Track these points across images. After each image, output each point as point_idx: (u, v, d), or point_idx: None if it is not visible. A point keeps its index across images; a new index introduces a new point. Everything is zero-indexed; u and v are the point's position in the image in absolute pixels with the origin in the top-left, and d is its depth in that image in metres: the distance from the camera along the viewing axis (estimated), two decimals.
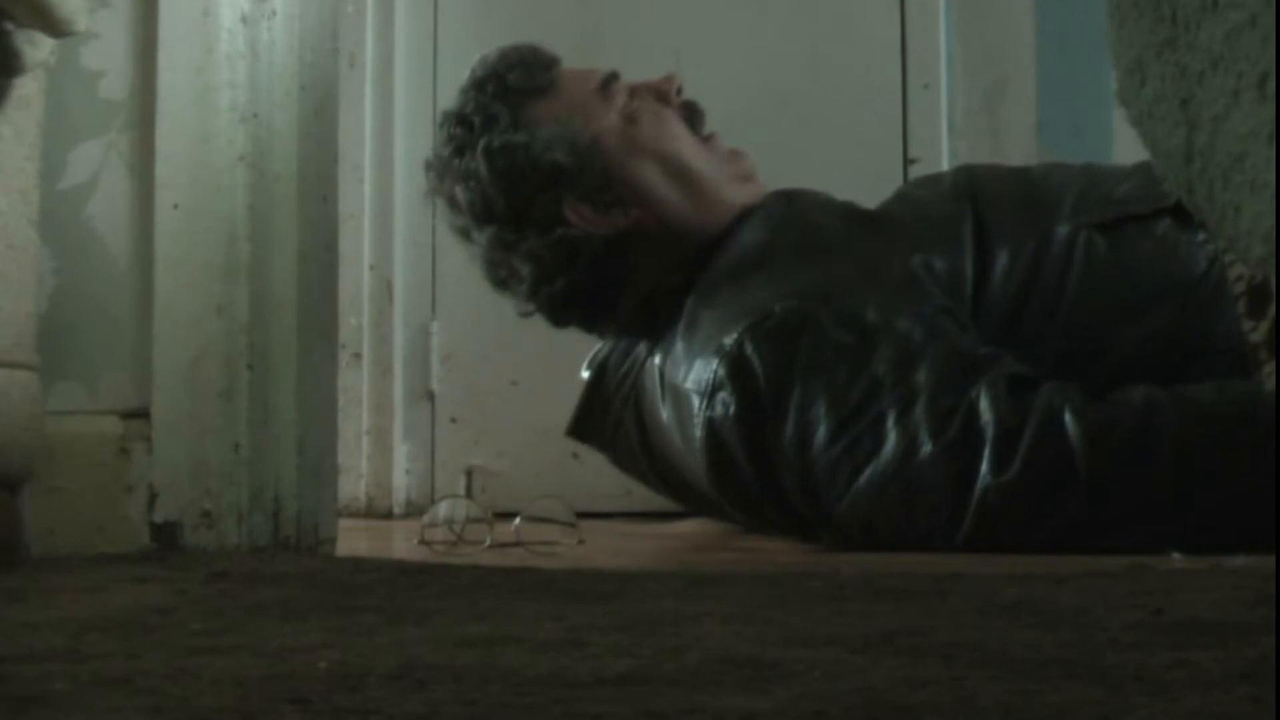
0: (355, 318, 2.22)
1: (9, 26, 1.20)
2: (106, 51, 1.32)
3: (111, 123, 1.33)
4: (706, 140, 1.69)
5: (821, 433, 1.42)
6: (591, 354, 1.70)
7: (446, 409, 2.26)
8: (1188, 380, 1.40)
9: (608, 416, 1.66)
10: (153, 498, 1.26)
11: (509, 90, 1.66)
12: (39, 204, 1.26)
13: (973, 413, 1.37)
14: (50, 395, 1.28)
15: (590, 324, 1.71)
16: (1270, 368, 1.36)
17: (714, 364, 1.47)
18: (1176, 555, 1.24)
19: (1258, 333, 1.37)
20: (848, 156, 2.10)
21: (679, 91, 1.69)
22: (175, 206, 1.29)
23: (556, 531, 1.52)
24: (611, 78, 1.68)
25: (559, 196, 1.62)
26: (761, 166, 1.72)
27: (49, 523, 1.26)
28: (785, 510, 1.47)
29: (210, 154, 1.29)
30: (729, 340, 1.47)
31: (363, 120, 2.26)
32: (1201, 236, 1.47)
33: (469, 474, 2.22)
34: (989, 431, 1.35)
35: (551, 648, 0.74)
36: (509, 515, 1.53)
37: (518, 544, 1.44)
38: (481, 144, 1.63)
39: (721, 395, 1.46)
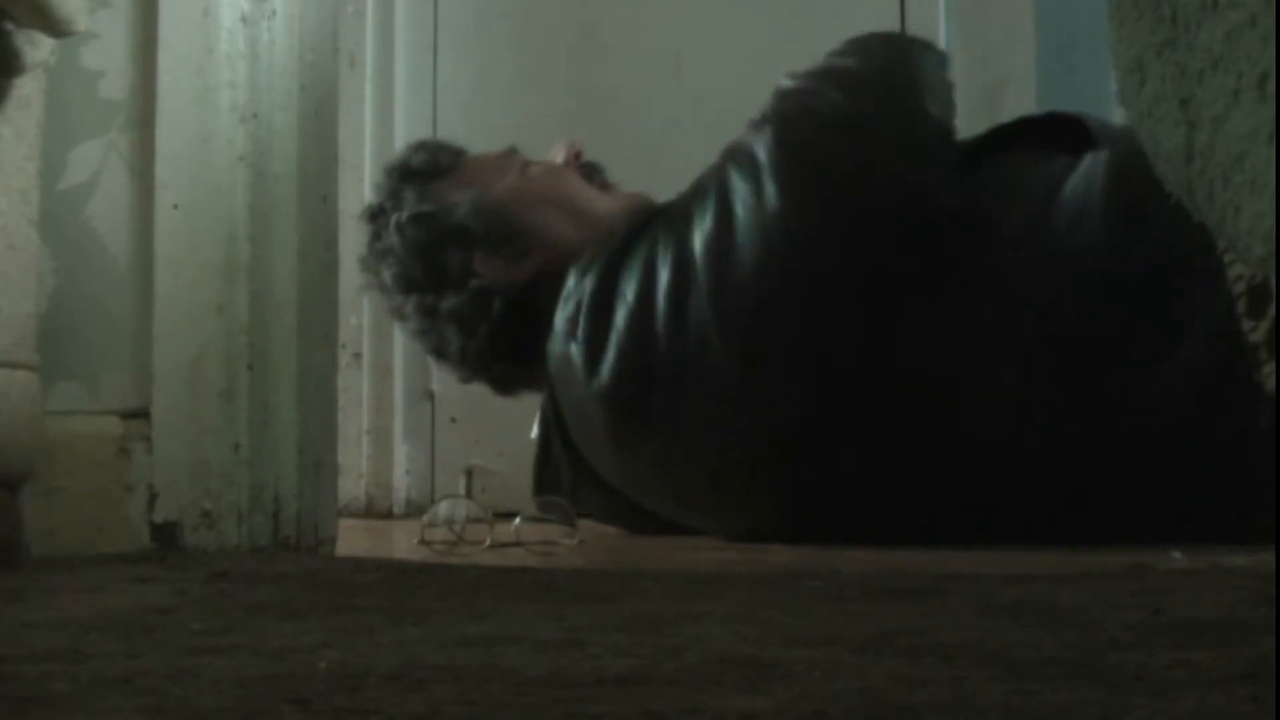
0: (355, 318, 2.22)
1: (9, 26, 1.20)
2: (106, 51, 1.33)
3: (111, 123, 1.33)
4: (605, 188, 1.79)
5: (688, 247, 1.50)
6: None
7: (446, 409, 2.26)
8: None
9: (551, 463, 1.70)
10: (153, 498, 1.26)
11: (413, 172, 1.78)
12: (39, 204, 1.26)
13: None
14: (50, 395, 1.28)
15: (527, 377, 1.75)
16: (1270, 368, 1.36)
17: (566, 309, 1.58)
18: (1176, 555, 1.24)
19: (1258, 333, 1.37)
20: None
21: (578, 156, 1.80)
22: (175, 206, 1.29)
23: (556, 531, 1.52)
24: (510, 151, 1.80)
25: (469, 255, 1.72)
26: None
27: (49, 523, 1.26)
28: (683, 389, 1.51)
29: (210, 154, 1.29)
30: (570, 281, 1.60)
31: (363, 120, 2.26)
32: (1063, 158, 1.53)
33: (469, 474, 2.22)
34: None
35: (551, 648, 0.74)
36: (509, 515, 1.53)
37: (518, 544, 1.44)
38: (393, 220, 1.76)
39: (578, 320, 1.56)
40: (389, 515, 2.21)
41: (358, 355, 2.24)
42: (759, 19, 2.22)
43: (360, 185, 2.23)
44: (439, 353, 1.80)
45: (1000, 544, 1.38)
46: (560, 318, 1.61)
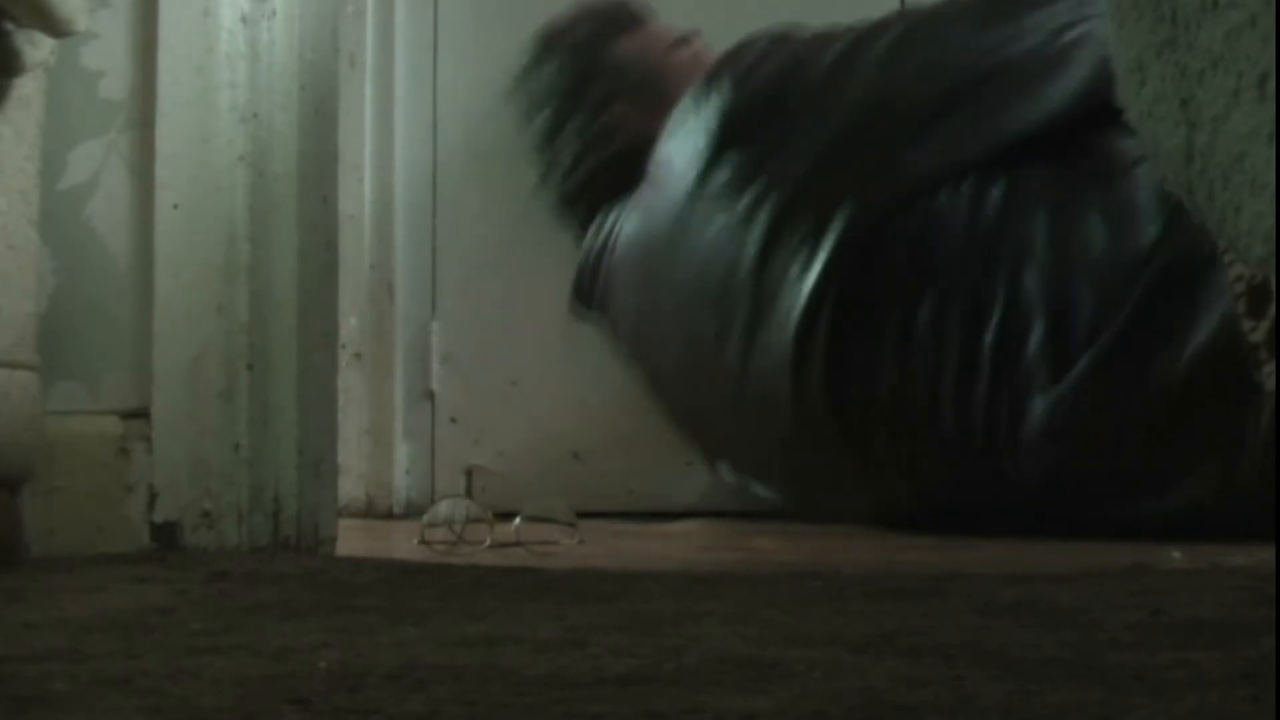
0: (355, 318, 2.22)
1: (9, 26, 1.20)
2: (106, 51, 1.32)
3: (111, 123, 1.33)
4: None
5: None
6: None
7: (446, 409, 2.26)
8: None
9: (598, 275, 1.83)
10: (153, 498, 1.26)
11: (597, 15, 1.96)
12: (39, 204, 1.26)
13: None
14: (50, 395, 1.28)
15: (598, 210, 1.88)
16: (1270, 368, 1.36)
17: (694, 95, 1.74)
18: (1176, 555, 1.24)
19: (1258, 333, 1.37)
20: None
21: None
22: (175, 206, 1.29)
23: (556, 531, 1.52)
24: (693, 32, 1.95)
25: (615, 95, 1.89)
26: None
27: (49, 523, 1.26)
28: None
29: (210, 154, 1.29)
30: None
31: (363, 120, 2.25)
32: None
33: (469, 474, 2.22)
34: None
35: (551, 648, 0.74)
36: (509, 515, 1.53)
37: (518, 544, 1.44)
38: (563, 42, 1.94)
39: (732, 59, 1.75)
40: (389, 515, 2.21)
41: (358, 355, 2.24)
42: (759, 19, 2.22)
43: (360, 185, 2.23)
44: (545, 173, 1.94)
45: (1000, 537, 1.39)
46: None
